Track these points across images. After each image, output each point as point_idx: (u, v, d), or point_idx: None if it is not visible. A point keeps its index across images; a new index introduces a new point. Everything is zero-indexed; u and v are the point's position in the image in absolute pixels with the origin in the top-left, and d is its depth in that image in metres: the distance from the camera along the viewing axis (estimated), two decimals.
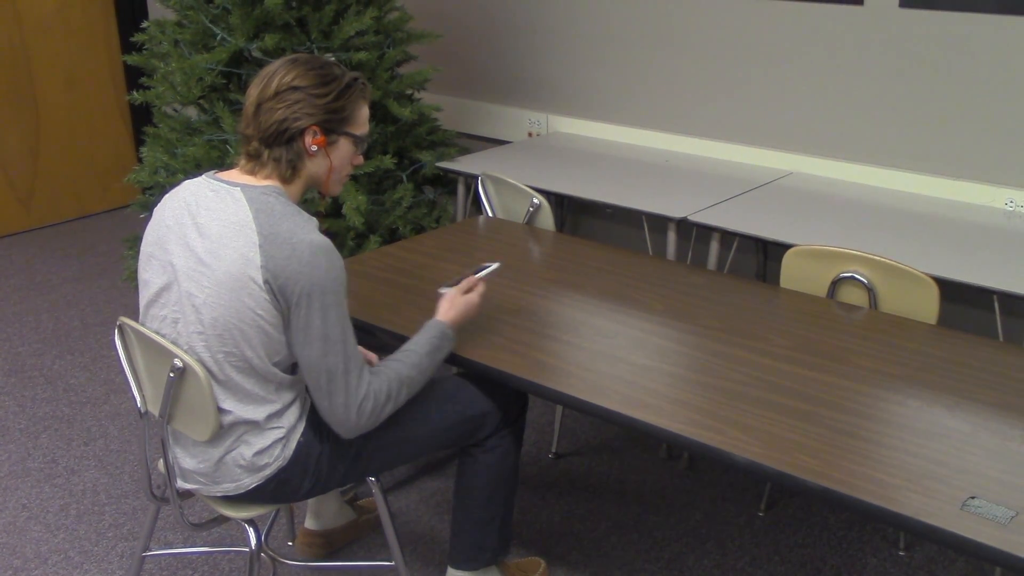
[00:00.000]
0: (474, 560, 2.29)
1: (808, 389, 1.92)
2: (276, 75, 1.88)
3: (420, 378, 2.00)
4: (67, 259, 4.67)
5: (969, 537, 1.49)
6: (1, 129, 4.84)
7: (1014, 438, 1.75)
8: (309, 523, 2.61)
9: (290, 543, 2.68)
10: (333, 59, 1.98)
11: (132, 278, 3.50)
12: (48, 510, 2.82)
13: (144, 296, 1.96)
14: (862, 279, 2.36)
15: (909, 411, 1.85)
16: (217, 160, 3.14)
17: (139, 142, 5.29)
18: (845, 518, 2.78)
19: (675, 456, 3.08)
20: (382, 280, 2.46)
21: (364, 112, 1.98)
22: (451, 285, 2.16)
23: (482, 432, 2.18)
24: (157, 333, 1.92)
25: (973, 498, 1.58)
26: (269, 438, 1.93)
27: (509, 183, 2.91)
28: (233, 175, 1.93)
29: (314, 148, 1.90)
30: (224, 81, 3.18)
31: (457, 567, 2.30)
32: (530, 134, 3.91)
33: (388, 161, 3.16)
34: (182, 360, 1.86)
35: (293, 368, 1.94)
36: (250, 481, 1.95)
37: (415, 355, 2.00)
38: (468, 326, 2.19)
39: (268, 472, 1.95)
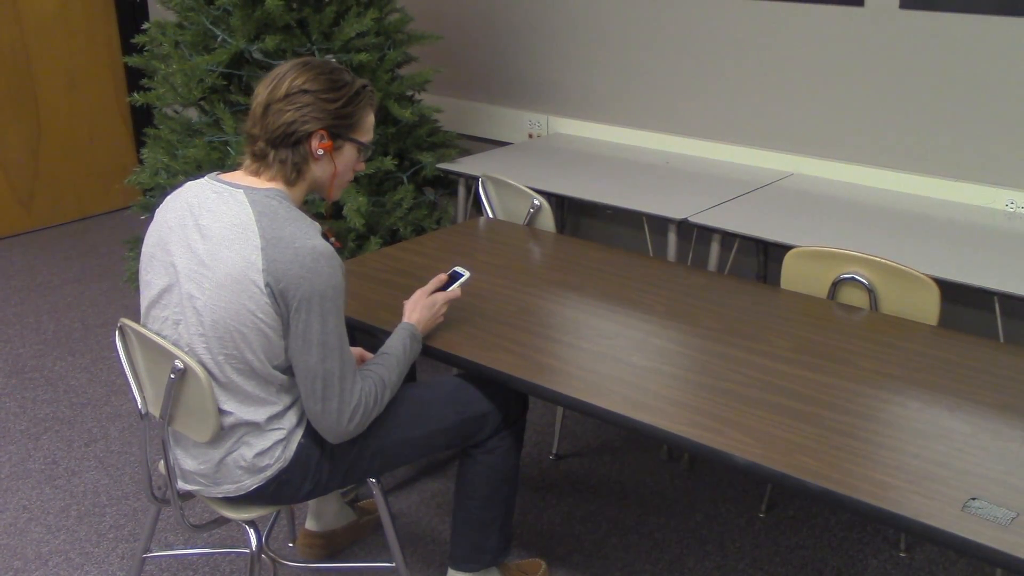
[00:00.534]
0: (474, 561, 2.29)
1: (809, 390, 1.92)
2: (287, 77, 1.89)
3: (398, 381, 2.03)
4: (68, 261, 4.68)
5: (970, 538, 1.49)
6: (2, 130, 4.84)
7: (1015, 439, 1.75)
8: (310, 524, 2.61)
9: (291, 544, 2.68)
10: (341, 64, 1.98)
11: (133, 279, 3.50)
12: (49, 511, 2.82)
13: (145, 297, 1.96)
14: (863, 280, 2.36)
15: (910, 412, 1.85)
16: (218, 161, 3.14)
17: (140, 143, 5.29)
18: (846, 519, 2.78)
19: (676, 457, 3.08)
20: (383, 281, 2.46)
21: (370, 119, 1.99)
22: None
23: (483, 433, 2.18)
24: (158, 334, 1.92)
25: (974, 499, 1.57)
26: (270, 439, 1.93)
27: (510, 184, 2.91)
28: (236, 177, 1.93)
29: (320, 152, 1.91)
30: (225, 83, 3.18)
31: (457, 568, 2.30)
32: (530, 135, 3.92)
33: (389, 162, 3.16)
34: (183, 361, 1.86)
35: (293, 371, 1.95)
36: (251, 482, 1.95)
37: (393, 358, 2.02)
38: (468, 327, 2.19)
39: (269, 473, 1.95)
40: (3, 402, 3.42)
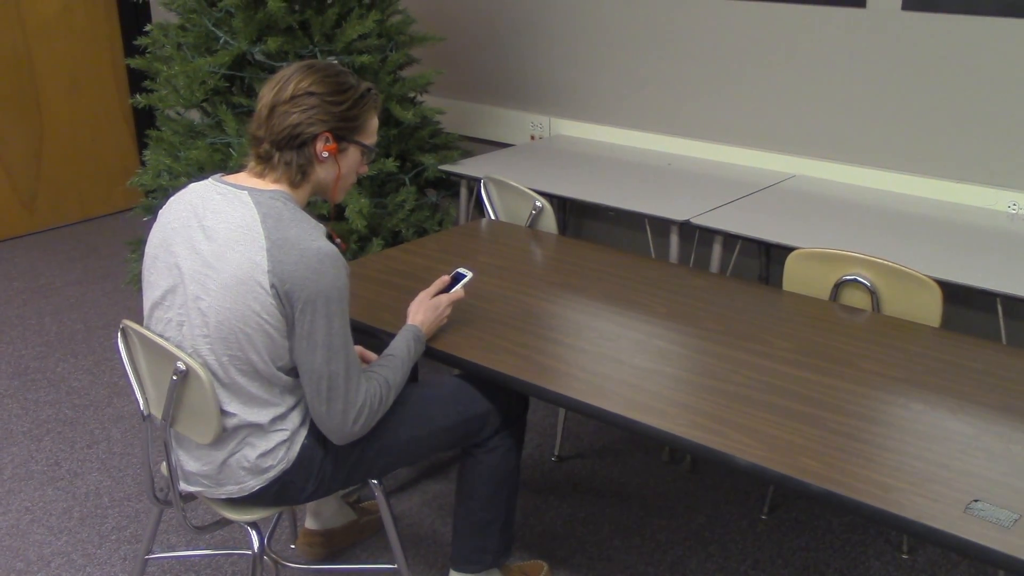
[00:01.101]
0: (476, 562, 2.29)
1: (811, 392, 1.92)
2: (292, 79, 1.89)
3: (402, 381, 2.04)
4: (70, 262, 4.68)
5: (972, 540, 1.49)
6: (4, 132, 4.85)
7: (1018, 441, 1.75)
8: (309, 523, 2.61)
9: (292, 546, 2.68)
10: (344, 66, 1.99)
11: (135, 281, 3.50)
12: (51, 513, 2.83)
13: (149, 298, 1.96)
14: (865, 282, 2.36)
15: (912, 414, 1.84)
16: (220, 163, 3.14)
17: (142, 145, 5.30)
18: (848, 521, 2.78)
19: (677, 459, 3.08)
20: (384, 283, 2.46)
21: (375, 123, 2.00)
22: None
23: (483, 433, 2.18)
24: (161, 336, 1.92)
25: (976, 501, 1.57)
26: (273, 440, 1.93)
27: (512, 186, 2.91)
28: (240, 178, 1.93)
29: (324, 155, 1.91)
30: (227, 84, 3.19)
31: (459, 569, 2.30)
32: (532, 137, 3.92)
33: (391, 164, 3.17)
34: (185, 363, 1.86)
35: (297, 372, 1.95)
36: (254, 483, 1.95)
37: (397, 359, 2.03)
38: (470, 329, 2.19)
39: (272, 474, 1.95)
40: (5, 403, 3.42)
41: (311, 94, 1.88)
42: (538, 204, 2.84)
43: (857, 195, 3.07)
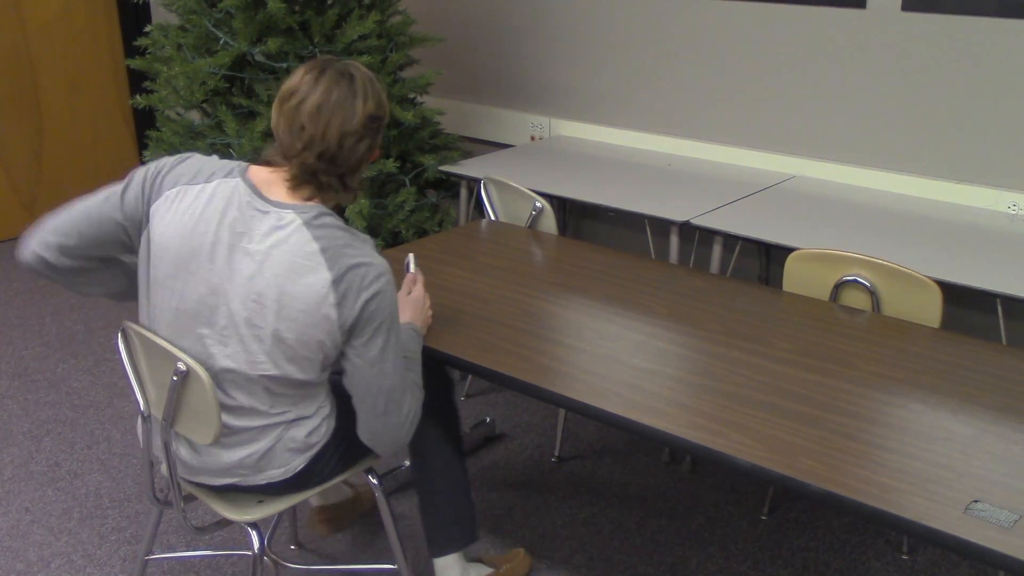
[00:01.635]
0: (453, 541, 2.34)
1: (811, 393, 1.92)
2: (353, 101, 1.81)
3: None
4: None
5: (972, 541, 1.49)
6: (4, 133, 4.85)
7: (1018, 442, 1.75)
8: (314, 501, 2.68)
9: (293, 547, 2.68)
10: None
11: None
12: (51, 513, 2.83)
13: (168, 302, 1.89)
14: (865, 283, 2.36)
15: (912, 415, 1.85)
16: None
17: (142, 146, 5.30)
18: (848, 522, 2.78)
19: (678, 460, 3.08)
20: None
21: None
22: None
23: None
24: (190, 350, 1.89)
25: (977, 502, 1.57)
26: (319, 417, 1.98)
27: (512, 187, 2.91)
28: (275, 192, 1.85)
29: (367, 164, 1.92)
30: (227, 85, 3.19)
31: (440, 555, 2.34)
32: (532, 138, 3.92)
33: (391, 165, 3.17)
34: (185, 363, 1.86)
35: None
36: (299, 462, 1.98)
37: (413, 361, 2.04)
38: (470, 329, 2.19)
39: (315, 450, 1.99)
40: (6, 404, 3.42)
41: (374, 118, 1.85)
42: (538, 205, 2.84)
43: (857, 195, 3.07)
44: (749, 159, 3.40)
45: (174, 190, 1.87)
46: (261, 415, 1.91)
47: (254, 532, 2.06)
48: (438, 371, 2.35)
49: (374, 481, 2.19)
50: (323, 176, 1.84)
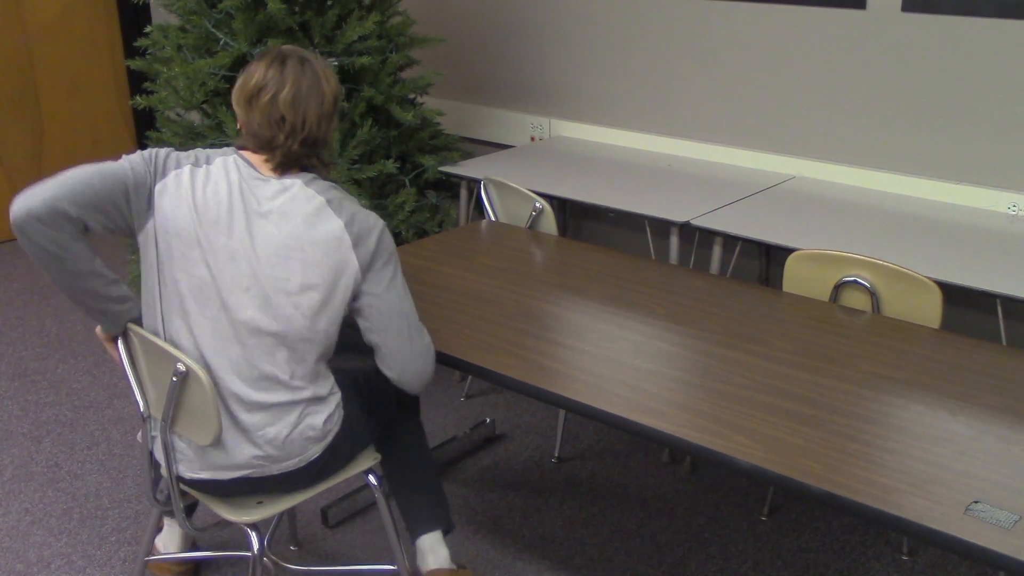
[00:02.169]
0: (436, 518, 2.36)
1: (811, 393, 1.92)
2: (320, 85, 1.95)
3: None
4: None
5: (972, 541, 1.49)
6: (4, 133, 4.85)
7: (1018, 442, 1.75)
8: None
9: (292, 547, 2.68)
10: (342, 66, 2.06)
11: (135, 282, 3.50)
12: (51, 514, 2.83)
13: (183, 268, 1.91)
14: (865, 283, 2.36)
15: (912, 415, 1.85)
16: None
17: (142, 147, 5.29)
18: (848, 522, 2.78)
19: (678, 460, 3.08)
20: None
21: None
22: None
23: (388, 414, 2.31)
24: (223, 315, 1.91)
25: (976, 502, 1.57)
26: (331, 404, 2.03)
27: (512, 187, 2.91)
28: (265, 171, 1.97)
29: None
30: (227, 86, 3.19)
31: (422, 533, 2.34)
32: (532, 138, 3.92)
33: (391, 165, 3.17)
34: (184, 364, 1.86)
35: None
36: (315, 451, 2.02)
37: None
38: (470, 330, 2.19)
39: (330, 439, 2.04)
40: (5, 405, 3.42)
41: (336, 94, 1.99)
42: (538, 205, 2.84)
43: (857, 196, 3.07)
44: (749, 160, 3.40)
45: (175, 172, 1.94)
46: (283, 387, 1.94)
47: (253, 533, 2.06)
48: None
49: (374, 482, 2.19)
50: (305, 159, 1.97)
